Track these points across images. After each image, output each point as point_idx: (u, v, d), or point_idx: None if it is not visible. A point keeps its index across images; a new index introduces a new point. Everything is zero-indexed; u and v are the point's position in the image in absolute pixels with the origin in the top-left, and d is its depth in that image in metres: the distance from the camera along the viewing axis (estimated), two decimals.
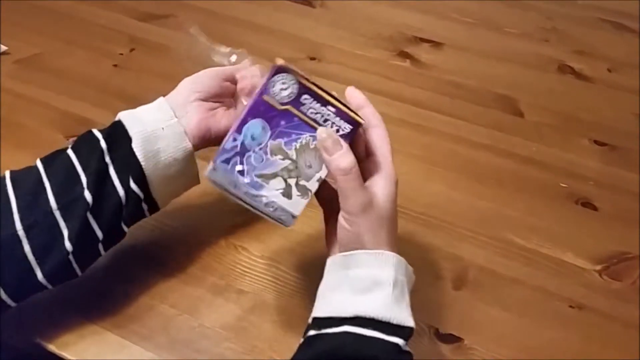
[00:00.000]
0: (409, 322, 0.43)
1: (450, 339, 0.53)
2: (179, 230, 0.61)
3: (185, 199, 0.64)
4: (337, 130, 0.45)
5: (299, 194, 0.46)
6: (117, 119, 0.52)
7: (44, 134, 0.72)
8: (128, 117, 0.51)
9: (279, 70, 0.44)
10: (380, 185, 0.46)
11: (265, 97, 0.44)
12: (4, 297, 0.45)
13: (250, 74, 0.54)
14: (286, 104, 0.44)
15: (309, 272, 0.57)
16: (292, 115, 0.44)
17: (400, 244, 0.61)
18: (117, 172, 0.49)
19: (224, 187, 0.46)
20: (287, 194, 0.46)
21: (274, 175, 0.45)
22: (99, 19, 0.94)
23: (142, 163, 0.49)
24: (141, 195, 0.50)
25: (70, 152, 0.49)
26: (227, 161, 0.45)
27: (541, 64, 0.91)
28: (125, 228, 0.51)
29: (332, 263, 0.47)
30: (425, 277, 0.58)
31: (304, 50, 0.89)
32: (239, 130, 0.45)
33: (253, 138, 0.45)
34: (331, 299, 0.45)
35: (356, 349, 0.42)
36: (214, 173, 0.45)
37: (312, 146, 0.45)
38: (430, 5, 1.03)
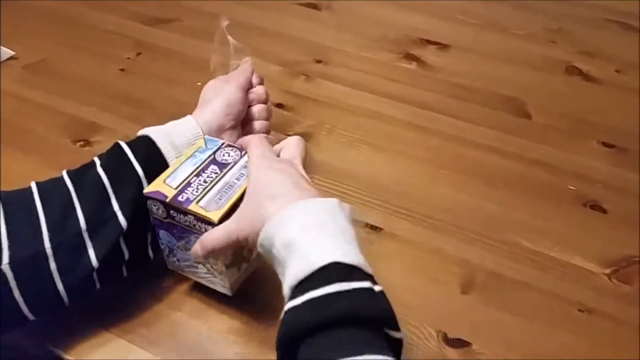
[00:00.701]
0: (331, 257, 0.38)
1: (459, 343, 0.52)
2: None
3: None
4: (205, 229, 0.48)
5: (220, 276, 0.52)
6: (151, 138, 0.52)
7: (51, 138, 0.72)
8: (164, 143, 0.52)
9: (147, 198, 0.49)
10: (247, 190, 0.47)
11: (154, 215, 0.50)
12: (25, 311, 0.46)
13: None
14: (166, 218, 0.49)
15: None
16: (175, 225, 0.50)
17: (407, 248, 0.61)
18: None
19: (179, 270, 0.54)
20: (212, 276, 0.52)
21: (197, 264, 0.52)
22: (105, 24, 0.94)
23: None
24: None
25: (101, 171, 0.49)
26: (168, 256, 0.54)
27: (548, 66, 0.90)
28: (151, 254, 0.52)
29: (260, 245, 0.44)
30: (433, 281, 0.58)
31: (310, 53, 0.89)
32: (158, 238, 0.52)
33: (169, 241, 0.52)
34: (284, 274, 0.41)
35: (297, 326, 0.37)
36: (169, 263, 0.55)
37: None
38: (437, 7, 1.03)
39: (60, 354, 0.50)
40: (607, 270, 0.60)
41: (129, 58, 0.87)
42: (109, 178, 0.48)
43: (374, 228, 0.63)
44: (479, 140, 0.75)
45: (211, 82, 0.61)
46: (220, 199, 0.48)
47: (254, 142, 0.51)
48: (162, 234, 0.51)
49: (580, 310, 0.56)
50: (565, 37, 0.97)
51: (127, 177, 0.49)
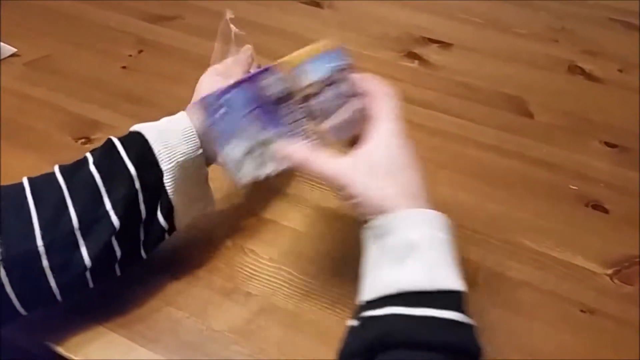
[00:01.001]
0: (457, 285, 0.39)
1: None
2: (187, 232, 0.61)
3: None
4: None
5: (254, 166, 0.49)
6: (144, 136, 0.50)
7: (53, 135, 0.72)
8: (157, 142, 0.50)
9: (274, 67, 0.47)
10: (368, 140, 0.45)
11: (259, 85, 0.48)
12: (17, 306, 0.46)
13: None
14: (270, 99, 0.48)
15: (318, 276, 0.57)
16: (270, 111, 0.48)
17: None
18: (145, 202, 0.49)
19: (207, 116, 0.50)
20: (239, 165, 0.49)
21: (241, 143, 0.49)
22: (107, 21, 0.94)
23: (171, 197, 0.50)
24: (166, 227, 0.51)
25: (93, 169, 0.49)
26: (210, 105, 0.49)
27: (551, 65, 0.90)
28: (143, 254, 0.52)
29: (365, 234, 0.44)
30: None
31: None
32: (226, 92, 0.48)
33: (234, 105, 0.48)
34: (373, 277, 0.42)
35: (406, 334, 0.38)
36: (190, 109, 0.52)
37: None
38: (439, 5, 1.03)
39: (60, 351, 0.50)
40: (609, 271, 0.59)
41: (130, 55, 0.86)
42: (101, 176, 0.48)
43: None
44: (480, 139, 0.75)
45: (206, 73, 0.59)
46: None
47: (389, 113, 0.47)
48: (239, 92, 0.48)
49: (581, 310, 0.56)
50: (568, 36, 0.97)
51: (119, 175, 0.48)
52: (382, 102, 0.47)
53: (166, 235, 0.53)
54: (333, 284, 0.57)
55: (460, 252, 0.60)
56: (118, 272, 0.51)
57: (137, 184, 0.49)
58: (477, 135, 0.75)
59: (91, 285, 0.49)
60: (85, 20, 0.94)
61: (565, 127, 0.78)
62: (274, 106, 0.47)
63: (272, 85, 0.47)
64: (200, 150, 0.52)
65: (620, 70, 0.90)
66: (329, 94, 0.47)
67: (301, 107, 0.46)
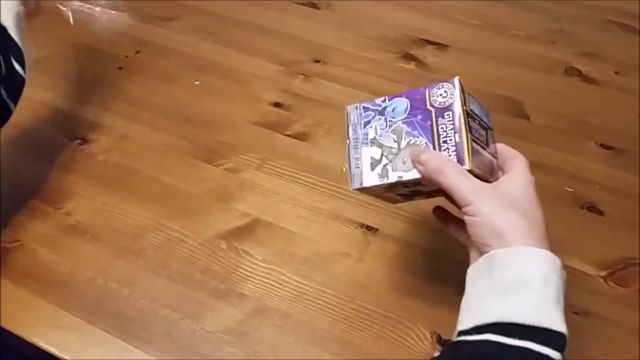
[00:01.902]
0: (561, 327, 0.38)
1: None
2: (181, 233, 0.61)
3: (189, 202, 0.64)
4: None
5: (379, 173, 0.48)
6: None
7: (50, 136, 0.72)
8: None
9: (454, 83, 0.47)
10: (503, 181, 0.46)
11: (427, 91, 0.48)
12: None
13: None
14: (433, 107, 0.47)
15: (311, 277, 0.57)
16: (429, 119, 0.47)
17: (403, 249, 0.61)
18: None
19: (347, 119, 0.51)
20: (373, 165, 0.48)
21: (379, 146, 0.49)
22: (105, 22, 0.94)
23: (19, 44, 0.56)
24: (23, 75, 0.57)
25: None
26: (365, 109, 0.50)
27: (547, 67, 0.90)
28: (11, 106, 0.57)
29: (474, 269, 0.44)
30: (429, 281, 0.58)
31: (309, 53, 0.89)
32: (391, 98, 0.50)
33: (394, 110, 0.49)
34: (475, 308, 0.41)
35: None
36: (353, 106, 0.51)
37: None
38: (436, 7, 1.02)
39: (54, 352, 0.50)
40: (603, 273, 0.59)
41: (127, 56, 0.86)
42: None
43: (370, 229, 0.62)
44: None
45: None
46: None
47: (525, 167, 0.48)
48: (402, 102, 0.49)
49: (575, 312, 0.56)
50: (565, 37, 0.97)
51: None
52: (518, 160, 0.48)
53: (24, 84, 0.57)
54: (326, 286, 0.57)
55: (454, 252, 0.60)
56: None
57: None
58: None
59: None
60: (82, 20, 0.94)
61: (561, 129, 0.78)
62: (433, 116, 0.47)
63: (441, 97, 0.47)
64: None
65: (617, 73, 0.89)
66: (479, 130, 0.48)
67: (456, 124, 0.46)
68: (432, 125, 0.46)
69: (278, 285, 0.56)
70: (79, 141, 0.71)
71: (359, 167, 0.49)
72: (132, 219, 0.62)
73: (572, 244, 0.62)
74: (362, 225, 0.63)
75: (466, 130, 0.45)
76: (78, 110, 0.76)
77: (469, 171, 0.44)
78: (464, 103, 0.46)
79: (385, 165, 0.48)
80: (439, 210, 0.53)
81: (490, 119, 0.52)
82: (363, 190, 0.49)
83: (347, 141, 0.50)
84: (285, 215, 0.63)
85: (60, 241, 0.59)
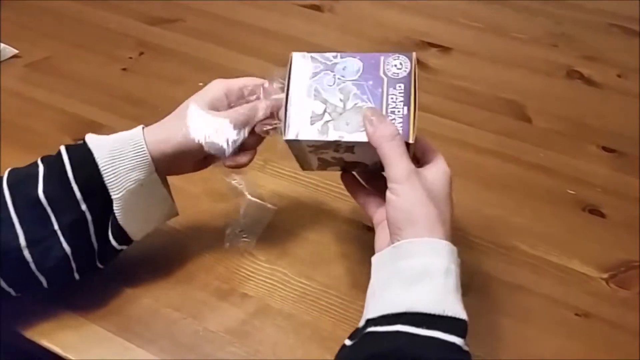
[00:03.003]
0: (462, 314, 0.41)
1: None
2: (184, 233, 0.61)
3: (191, 202, 0.64)
4: None
5: (319, 129, 0.47)
6: (93, 156, 0.49)
7: (53, 137, 0.72)
8: (108, 168, 0.48)
9: (411, 57, 0.48)
10: (429, 168, 0.47)
11: (382, 59, 0.48)
12: (4, 286, 0.47)
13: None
14: (386, 76, 0.48)
15: (313, 277, 0.57)
16: (380, 86, 0.47)
17: None
18: (95, 225, 0.49)
19: (290, 66, 0.49)
20: (314, 120, 0.48)
21: (323, 102, 0.48)
22: (108, 23, 0.94)
23: (121, 222, 0.50)
24: (119, 247, 0.52)
25: (41, 195, 0.48)
26: (314, 60, 0.49)
27: (550, 70, 0.90)
28: (100, 265, 0.52)
29: (380, 257, 0.46)
30: None
31: None
32: (343, 56, 0.49)
33: (344, 69, 0.49)
34: (382, 296, 0.43)
35: (411, 352, 0.39)
36: (300, 54, 0.50)
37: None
38: (439, 10, 1.03)
39: (57, 351, 0.51)
40: (605, 275, 0.60)
41: (131, 57, 0.87)
42: (48, 202, 0.48)
43: (369, 229, 0.62)
44: (478, 144, 0.75)
45: (194, 102, 0.54)
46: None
47: (443, 159, 0.49)
48: (354, 63, 0.48)
49: (577, 314, 0.56)
50: (568, 41, 0.97)
51: (66, 199, 0.48)
52: (438, 153, 0.50)
53: (122, 249, 0.52)
54: (328, 286, 0.57)
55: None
56: (76, 278, 0.51)
57: (84, 207, 0.48)
58: (475, 140, 0.76)
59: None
60: (87, 22, 0.95)
61: (563, 131, 0.78)
62: (385, 84, 0.48)
63: (396, 68, 0.48)
64: (154, 175, 0.50)
65: (619, 76, 0.90)
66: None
67: (406, 97, 0.47)
68: (382, 93, 0.47)
69: (280, 286, 0.57)
70: (81, 142, 0.71)
71: (297, 118, 0.48)
72: None
73: (574, 246, 0.62)
74: (364, 226, 0.63)
75: (414, 105, 0.46)
76: (81, 111, 0.77)
77: (408, 145, 0.46)
78: (416, 79, 0.47)
79: (327, 122, 0.47)
80: (348, 178, 0.54)
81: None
82: (294, 143, 0.48)
83: (287, 88, 0.49)
84: (287, 216, 0.63)
85: None
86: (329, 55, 0.49)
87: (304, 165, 0.54)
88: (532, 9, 1.05)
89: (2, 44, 0.85)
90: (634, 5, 1.05)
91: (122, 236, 0.51)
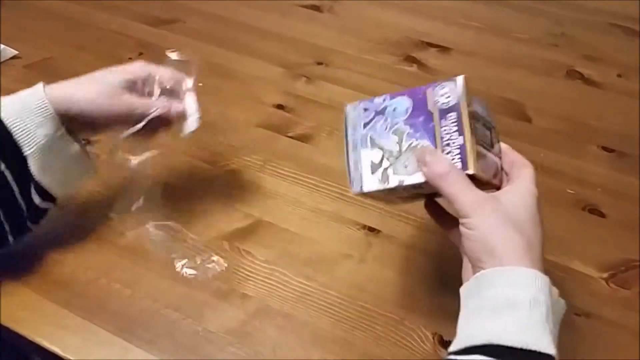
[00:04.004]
0: (550, 349, 0.38)
1: None
2: (183, 233, 0.61)
3: (190, 202, 0.64)
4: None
5: (380, 177, 0.47)
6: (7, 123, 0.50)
7: None
8: (16, 126, 0.50)
9: (457, 82, 0.45)
10: (508, 190, 0.44)
11: (429, 91, 0.46)
12: None
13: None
14: (436, 108, 0.45)
15: (313, 278, 0.57)
16: (431, 121, 0.45)
17: (405, 250, 0.61)
18: (16, 183, 0.51)
19: (346, 119, 0.49)
20: (374, 169, 0.47)
21: (380, 148, 0.47)
22: (108, 24, 0.94)
23: (39, 178, 0.51)
24: (43, 205, 0.53)
25: None
26: (365, 109, 0.49)
27: (550, 70, 0.90)
28: (31, 227, 0.54)
29: (465, 288, 0.43)
30: (431, 283, 0.58)
31: (311, 55, 0.89)
32: (392, 97, 0.48)
33: (394, 110, 0.47)
34: (465, 329, 0.41)
35: None
36: (352, 106, 0.50)
37: None
38: (438, 10, 1.03)
39: (57, 352, 0.51)
40: (605, 275, 0.59)
41: (131, 58, 0.87)
42: None
43: (372, 230, 0.63)
44: None
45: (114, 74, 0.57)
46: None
47: (530, 178, 0.46)
48: (404, 101, 0.47)
49: (577, 314, 0.56)
50: (568, 41, 0.97)
51: None
52: (525, 169, 0.47)
53: (49, 208, 0.54)
54: (328, 287, 0.57)
55: (455, 254, 0.60)
56: (10, 241, 0.53)
57: (3, 167, 0.50)
58: None
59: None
60: (86, 22, 0.95)
61: (563, 131, 0.78)
62: (436, 117, 0.45)
63: (444, 97, 0.45)
64: (62, 131, 0.52)
65: (619, 76, 0.90)
66: (483, 132, 0.46)
67: (460, 126, 0.44)
68: (434, 127, 0.45)
69: (280, 286, 0.57)
70: (82, 142, 0.71)
71: (358, 171, 0.48)
72: (135, 219, 0.62)
73: (574, 246, 0.62)
74: (364, 227, 0.63)
75: (470, 132, 0.43)
76: None
77: (472, 175, 0.43)
78: (468, 104, 0.44)
79: (386, 168, 0.46)
80: (431, 205, 0.51)
81: (492, 116, 0.50)
82: (363, 194, 0.48)
83: (346, 142, 0.49)
84: (287, 217, 0.63)
85: (64, 241, 0.59)
86: (379, 99, 0.48)
87: (391, 204, 0.54)
88: (532, 9, 1.05)
89: (2, 45, 0.85)
90: (634, 5, 1.05)
91: (44, 193, 0.53)
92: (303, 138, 0.74)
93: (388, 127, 0.47)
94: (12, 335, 0.52)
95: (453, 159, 0.44)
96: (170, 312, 0.54)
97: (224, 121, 0.76)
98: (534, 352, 0.38)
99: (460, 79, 0.45)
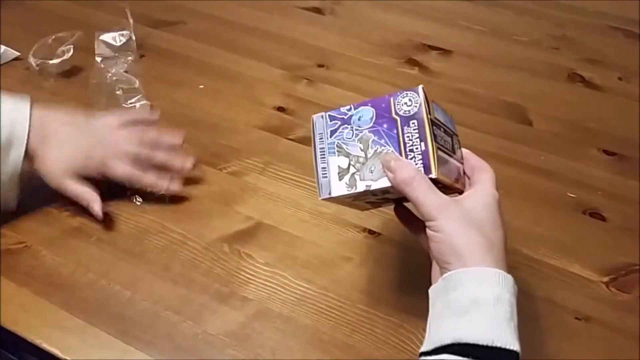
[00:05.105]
0: (514, 345, 0.39)
1: None
2: (184, 236, 0.61)
3: (191, 205, 0.64)
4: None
5: (347, 182, 0.48)
6: None
7: None
8: None
9: (418, 91, 0.47)
10: (469, 195, 0.46)
11: (391, 100, 0.48)
12: None
13: None
14: (398, 116, 0.47)
15: (313, 281, 0.57)
16: (394, 128, 0.47)
17: (405, 253, 0.61)
18: None
19: (313, 128, 0.51)
20: (341, 175, 0.48)
21: (347, 155, 0.49)
22: (110, 26, 0.94)
23: None
24: None
25: None
26: (332, 118, 0.50)
27: (551, 73, 0.90)
28: None
29: (433, 290, 0.45)
30: (430, 286, 0.58)
31: (313, 58, 0.89)
32: (356, 106, 0.49)
33: (359, 119, 0.49)
34: (434, 330, 0.43)
35: None
36: (318, 116, 0.51)
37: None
38: (440, 12, 1.03)
39: (57, 353, 0.51)
40: (605, 279, 0.59)
41: (132, 60, 0.87)
42: None
43: (372, 233, 0.63)
44: (479, 146, 0.73)
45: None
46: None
47: (491, 182, 0.48)
48: (368, 110, 0.48)
49: (577, 318, 0.56)
50: (569, 44, 0.97)
51: None
52: (485, 173, 0.49)
53: None
54: (328, 289, 0.57)
55: None
56: None
57: None
58: (476, 143, 0.74)
59: None
60: (88, 24, 0.95)
61: (564, 134, 0.78)
62: (399, 124, 0.47)
63: (406, 105, 0.47)
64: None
65: (620, 79, 0.90)
66: (445, 138, 0.48)
67: (422, 133, 0.46)
68: (398, 133, 0.47)
69: (280, 289, 0.57)
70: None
71: (326, 177, 0.49)
72: (136, 221, 0.62)
73: (574, 249, 0.62)
74: (364, 230, 0.63)
75: (431, 138, 0.45)
76: None
77: (435, 179, 0.45)
78: (429, 111, 0.46)
79: (353, 174, 0.48)
80: (401, 211, 0.53)
81: (454, 125, 0.52)
82: (331, 199, 0.49)
83: (314, 150, 0.50)
84: (287, 219, 0.63)
85: (65, 243, 0.59)
86: (344, 109, 0.50)
87: (359, 209, 0.55)
88: (533, 12, 1.05)
89: (3, 47, 0.85)
90: (635, 8, 1.05)
91: None
92: (304, 140, 0.74)
93: (354, 135, 0.49)
94: (11, 337, 0.52)
95: (416, 164, 0.45)
96: (170, 314, 0.54)
97: (225, 123, 0.76)
98: (500, 348, 0.39)
99: (420, 89, 0.47)
